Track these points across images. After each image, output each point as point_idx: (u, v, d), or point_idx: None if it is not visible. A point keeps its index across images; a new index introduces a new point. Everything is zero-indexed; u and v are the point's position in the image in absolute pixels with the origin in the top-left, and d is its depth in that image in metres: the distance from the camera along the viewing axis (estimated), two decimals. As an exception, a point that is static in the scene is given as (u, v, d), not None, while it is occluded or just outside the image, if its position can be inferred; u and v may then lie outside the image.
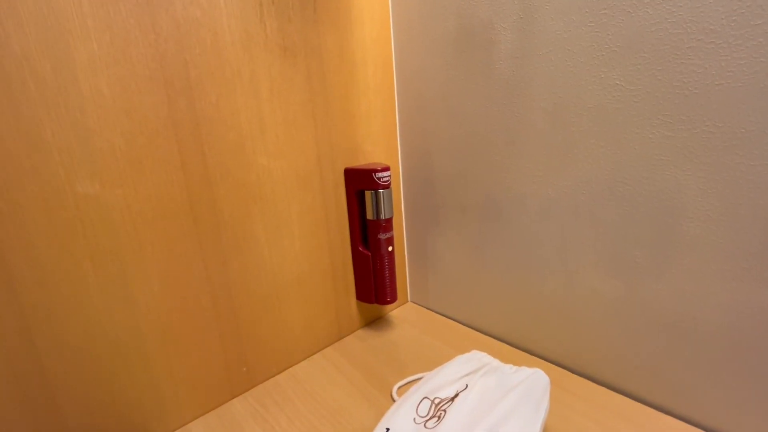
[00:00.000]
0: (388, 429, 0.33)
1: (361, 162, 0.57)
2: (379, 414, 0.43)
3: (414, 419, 0.34)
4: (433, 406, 0.36)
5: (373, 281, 0.57)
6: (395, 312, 0.66)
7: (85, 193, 0.35)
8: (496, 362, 0.41)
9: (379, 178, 0.53)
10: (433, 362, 0.51)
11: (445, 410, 0.34)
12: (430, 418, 0.34)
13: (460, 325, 0.61)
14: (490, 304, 0.56)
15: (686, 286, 0.38)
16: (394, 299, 0.59)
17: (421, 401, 0.36)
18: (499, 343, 0.55)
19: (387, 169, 0.54)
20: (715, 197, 0.35)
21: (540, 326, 0.51)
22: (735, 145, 0.33)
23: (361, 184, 0.54)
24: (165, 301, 0.41)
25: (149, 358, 0.40)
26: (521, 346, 0.54)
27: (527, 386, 0.36)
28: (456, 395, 0.36)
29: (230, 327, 0.46)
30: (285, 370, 0.53)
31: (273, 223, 0.48)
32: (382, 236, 0.55)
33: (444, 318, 0.63)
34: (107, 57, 0.34)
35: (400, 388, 0.47)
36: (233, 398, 0.48)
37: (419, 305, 0.68)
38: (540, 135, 0.45)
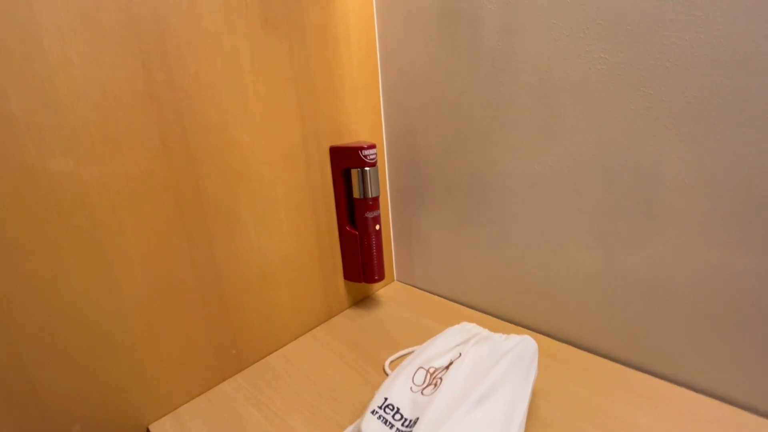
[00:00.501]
0: (386, 398, 0.34)
1: (345, 141, 0.56)
2: (373, 388, 0.44)
3: (411, 388, 0.35)
4: (429, 375, 0.37)
5: (361, 260, 0.57)
6: (382, 291, 0.67)
7: (58, 171, 0.33)
8: (486, 332, 0.42)
9: (365, 156, 0.53)
10: (422, 337, 0.51)
11: (441, 378, 0.35)
12: (426, 386, 0.35)
13: (447, 301, 0.62)
14: (476, 279, 0.58)
15: (664, 253, 0.40)
16: (382, 277, 0.59)
17: (416, 371, 0.37)
18: (485, 316, 0.57)
19: (373, 146, 0.53)
20: (692, 167, 0.37)
21: (525, 298, 0.53)
22: (711, 116, 0.35)
23: (347, 162, 0.54)
24: (149, 284, 0.39)
25: (135, 343, 0.39)
26: (507, 317, 0.55)
27: (517, 352, 0.38)
28: (450, 364, 0.37)
29: (218, 309, 0.45)
30: (275, 351, 0.52)
31: (259, 203, 0.47)
32: (369, 215, 0.55)
33: (431, 295, 0.64)
34: (75, 22, 0.32)
35: (392, 362, 0.48)
36: (223, 381, 0.47)
37: (406, 284, 0.69)
38: (525, 110, 0.46)
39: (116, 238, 0.37)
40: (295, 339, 0.55)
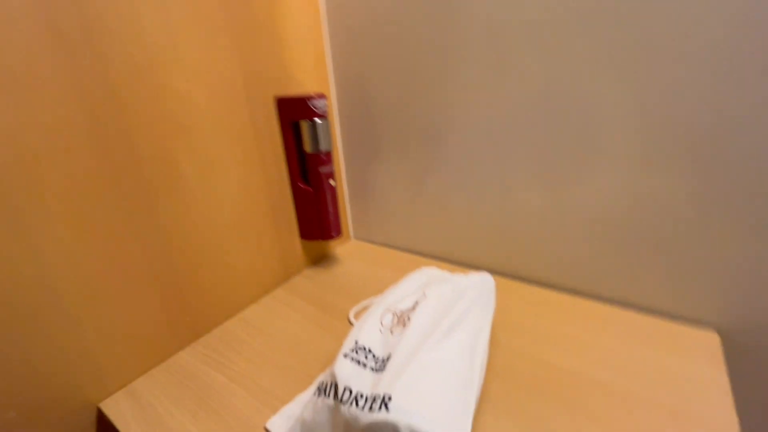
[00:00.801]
0: (357, 341, 0.34)
1: (291, 91, 0.53)
2: (340, 339, 0.43)
3: (380, 330, 0.35)
4: (396, 316, 0.37)
5: (317, 217, 0.56)
6: (339, 249, 0.66)
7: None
8: (446, 273, 0.44)
9: (315, 107, 0.50)
10: (383, 288, 0.52)
11: (409, 317, 0.35)
12: (395, 326, 0.36)
13: (405, 253, 0.63)
14: (432, 229, 0.59)
15: (603, 185, 0.43)
16: (339, 233, 0.58)
17: (384, 314, 0.37)
18: (443, 263, 0.59)
19: (323, 96, 0.51)
20: (631, 102, 0.39)
21: (479, 242, 0.55)
22: (650, 52, 0.37)
23: (296, 114, 0.51)
24: (80, 251, 0.35)
25: (70, 316, 0.35)
26: (464, 262, 0.58)
27: (477, 288, 0.39)
28: (416, 304, 0.38)
29: (167, 275, 0.42)
30: (233, 315, 0.50)
31: (202, 158, 0.43)
32: (323, 170, 0.53)
33: (388, 249, 0.65)
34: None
35: (356, 313, 0.48)
36: (180, 350, 0.45)
37: (362, 240, 0.69)
38: (478, 53, 0.46)
39: (33, 201, 0.32)
40: (254, 302, 0.53)
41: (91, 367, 0.37)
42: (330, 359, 0.41)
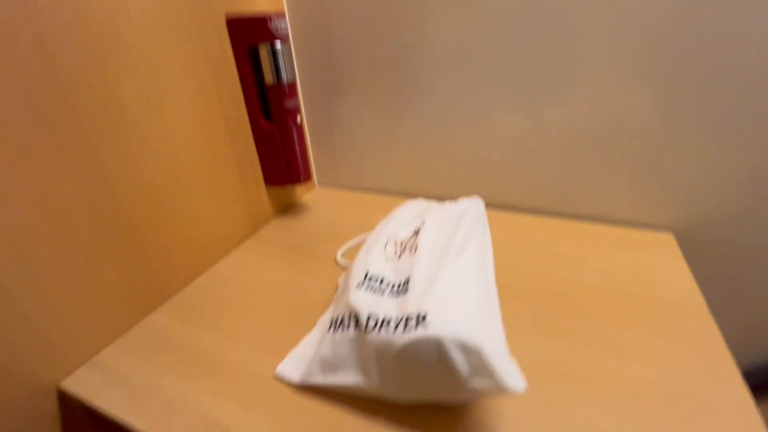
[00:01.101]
0: (367, 272, 0.32)
1: (243, 9, 0.45)
2: (331, 280, 0.41)
3: (386, 259, 0.34)
4: (399, 245, 0.36)
5: (284, 159, 0.51)
6: (305, 198, 0.62)
7: None
8: (434, 202, 0.43)
9: (275, 29, 0.44)
10: (364, 230, 0.50)
11: (415, 243, 0.34)
12: (401, 254, 0.34)
13: (380, 195, 0.61)
14: (407, 165, 0.57)
15: (580, 105, 0.44)
16: (308, 177, 0.54)
17: (386, 245, 0.35)
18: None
19: (283, 15, 0.44)
20: (607, 15, 0.39)
21: (457, 174, 0.54)
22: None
23: (253, 37, 0.44)
24: (6, 215, 0.27)
25: (9, 291, 0.28)
26: (443, 196, 0.57)
27: (473, 211, 0.39)
28: (417, 231, 0.36)
29: (120, 229, 0.35)
30: (203, 272, 0.45)
31: (147, 84, 0.36)
32: (288, 104, 0.48)
33: (360, 192, 0.62)
34: None
35: (344, 253, 0.46)
36: (149, 314, 0.39)
37: (329, 187, 0.65)
38: (452, -35, 0.42)
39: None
40: (224, 256, 0.47)
41: (40, 343, 0.31)
42: (325, 299, 0.38)
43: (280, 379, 0.31)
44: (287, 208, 0.59)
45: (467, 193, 0.55)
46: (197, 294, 0.41)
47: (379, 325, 0.27)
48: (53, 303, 0.31)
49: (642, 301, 0.36)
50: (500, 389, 0.22)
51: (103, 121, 0.33)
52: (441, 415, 0.27)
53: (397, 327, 0.26)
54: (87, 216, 0.32)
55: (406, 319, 0.26)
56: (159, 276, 0.39)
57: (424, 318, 0.25)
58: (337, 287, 0.39)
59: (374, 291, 0.30)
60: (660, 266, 0.40)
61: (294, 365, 0.31)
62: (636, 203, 0.47)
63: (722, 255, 0.45)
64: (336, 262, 0.45)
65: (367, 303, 0.29)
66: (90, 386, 0.31)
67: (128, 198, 0.35)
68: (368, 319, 0.27)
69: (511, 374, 0.22)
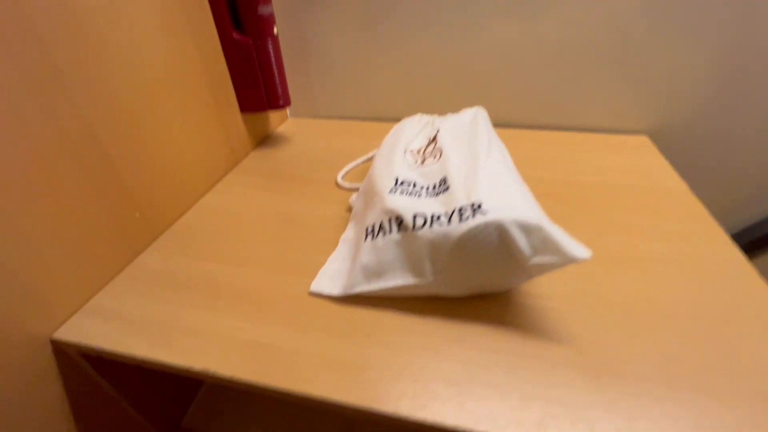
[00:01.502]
0: (397, 178, 0.30)
1: None
2: (335, 203, 0.39)
3: (410, 167, 0.32)
4: (418, 153, 0.34)
5: (261, 78, 0.45)
6: (281, 129, 0.57)
7: None
8: (437, 116, 0.41)
9: None
10: (359, 154, 0.47)
11: (439, 149, 0.32)
12: (424, 161, 0.33)
13: (365, 122, 0.57)
14: (392, 86, 0.54)
15: (570, 14, 0.44)
16: (288, 101, 0.49)
17: (404, 154, 0.34)
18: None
19: None
20: None
21: (447, 90, 0.53)
22: None
23: None
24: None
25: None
26: (425, 120, 0.55)
27: (482, 118, 0.38)
28: (433, 139, 0.35)
29: (95, 160, 0.29)
30: (191, 207, 0.40)
31: (99, -29, 0.28)
32: (263, 11, 0.42)
33: (342, 120, 0.58)
34: None
35: (345, 175, 0.43)
36: (140, 253, 0.34)
37: (305, 117, 0.60)
38: None
39: None
40: (209, 190, 0.43)
41: (25, 295, 0.26)
42: (333, 222, 0.36)
43: (317, 295, 0.29)
44: (264, 139, 0.54)
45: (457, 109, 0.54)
46: (190, 229, 0.37)
47: (429, 221, 0.26)
48: (35, 252, 0.26)
49: (633, 191, 0.39)
50: (566, 260, 0.23)
51: (60, 25, 0.26)
52: (488, 304, 0.27)
53: (450, 219, 0.25)
54: (64, 155, 0.26)
55: (460, 211, 0.25)
56: (145, 214, 0.34)
57: (479, 207, 0.24)
58: (349, 208, 0.37)
59: (410, 194, 0.29)
60: (642, 163, 0.44)
61: (329, 281, 0.29)
62: (615, 111, 0.50)
63: (694, 150, 0.50)
64: (337, 185, 0.42)
65: (408, 205, 0.27)
66: (86, 331, 0.27)
67: (102, 124, 0.29)
68: (414, 218, 0.26)
69: (573, 245, 0.23)
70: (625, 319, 0.26)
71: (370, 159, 0.46)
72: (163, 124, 0.36)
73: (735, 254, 0.31)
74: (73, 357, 0.29)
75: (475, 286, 0.27)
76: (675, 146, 0.50)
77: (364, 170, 0.45)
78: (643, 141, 0.48)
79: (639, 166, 0.43)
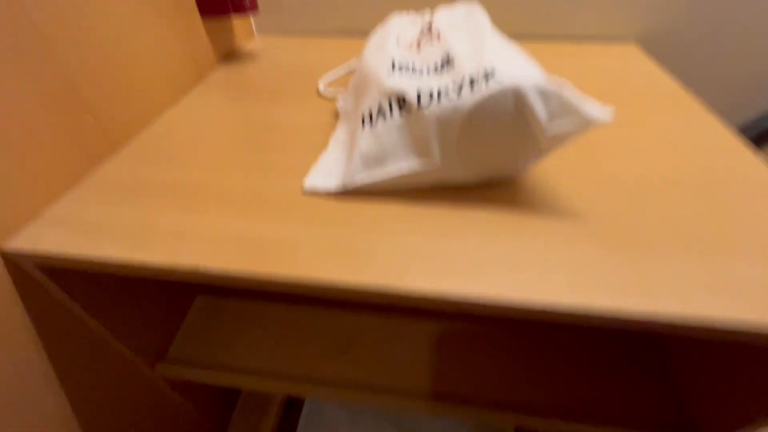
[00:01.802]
0: (393, 60, 0.27)
1: None
2: (317, 111, 0.36)
3: (406, 51, 0.29)
4: (411, 41, 0.31)
5: (224, -25, 0.39)
6: (249, 47, 0.51)
7: None
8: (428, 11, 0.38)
9: None
10: (335, 66, 0.43)
11: (437, 31, 0.29)
12: (419, 45, 0.29)
13: (341, 39, 0.52)
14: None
15: None
16: (255, 5, 0.43)
17: (396, 43, 0.30)
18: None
19: None
20: None
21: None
22: None
23: None
24: None
25: None
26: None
27: (477, 10, 0.35)
28: (428, 25, 0.32)
29: (49, 71, 0.24)
30: (154, 118, 0.35)
31: None
32: None
33: (316, 38, 0.53)
34: None
35: (328, 84, 0.40)
36: (97, 164, 0.30)
37: (274, 34, 0.54)
38: None
39: None
40: (173, 103, 0.38)
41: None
42: (319, 126, 0.33)
43: (312, 191, 0.26)
44: (229, 54, 0.48)
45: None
46: (157, 140, 0.33)
47: (436, 96, 0.23)
48: None
49: (630, 93, 0.38)
50: (586, 124, 0.21)
51: None
52: (497, 188, 0.26)
53: (461, 92, 0.22)
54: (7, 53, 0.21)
55: (471, 81, 0.22)
56: (99, 119, 0.30)
57: (492, 74, 0.22)
58: (336, 114, 0.34)
59: (412, 72, 0.26)
60: (634, 68, 0.43)
61: (324, 177, 0.27)
62: (603, 15, 0.48)
63: (680, 54, 0.49)
64: (319, 94, 0.38)
65: (411, 84, 0.24)
66: (49, 240, 0.24)
67: (44, 17, 0.24)
68: (419, 96, 0.24)
69: (593, 107, 0.21)
70: (631, 193, 0.26)
71: (355, 70, 0.42)
72: (113, 20, 0.30)
73: (725, 134, 0.31)
74: (30, 272, 0.25)
75: (485, 168, 0.25)
76: (663, 51, 0.49)
77: (347, 83, 0.41)
78: (632, 48, 0.47)
79: (632, 70, 0.42)
